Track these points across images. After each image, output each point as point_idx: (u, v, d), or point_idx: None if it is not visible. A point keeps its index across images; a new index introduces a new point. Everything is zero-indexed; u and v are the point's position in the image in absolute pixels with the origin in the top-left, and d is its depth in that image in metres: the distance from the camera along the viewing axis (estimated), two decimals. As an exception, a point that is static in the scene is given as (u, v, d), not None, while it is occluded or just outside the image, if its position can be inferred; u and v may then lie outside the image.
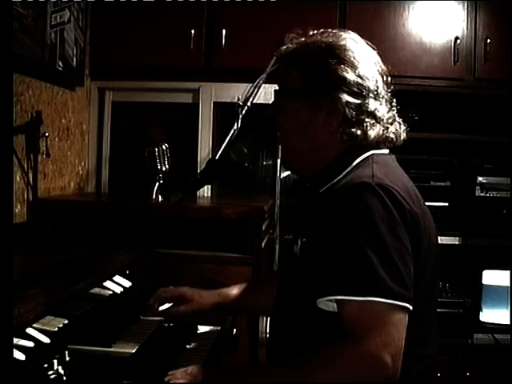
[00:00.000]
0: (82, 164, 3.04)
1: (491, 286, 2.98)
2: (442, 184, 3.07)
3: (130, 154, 3.19)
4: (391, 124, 1.34)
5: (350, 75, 1.30)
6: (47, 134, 2.33)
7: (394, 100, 1.38)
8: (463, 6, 2.99)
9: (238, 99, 1.98)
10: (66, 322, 1.39)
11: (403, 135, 1.37)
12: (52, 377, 1.13)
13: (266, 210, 2.43)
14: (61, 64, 2.55)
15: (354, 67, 1.30)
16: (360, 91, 1.30)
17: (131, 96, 3.21)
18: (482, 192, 3.03)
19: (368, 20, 2.93)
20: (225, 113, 3.16)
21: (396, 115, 1.37)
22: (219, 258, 2.28)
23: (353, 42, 1.34)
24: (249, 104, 1.96)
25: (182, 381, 1.25)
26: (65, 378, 1.14)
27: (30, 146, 2.29)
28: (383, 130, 1.33)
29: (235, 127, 1.84)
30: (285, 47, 1.40)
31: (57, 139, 2.67)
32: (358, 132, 1.30)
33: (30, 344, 1.22)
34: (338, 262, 1.17)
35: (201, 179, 1.67)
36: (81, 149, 3.01)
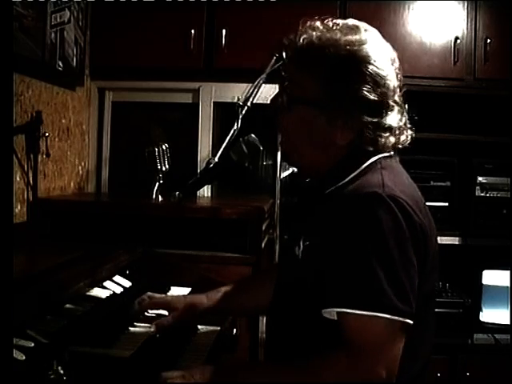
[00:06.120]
0: (82, 164, 3.04)
1: (491, 286, 2.98)
2: (442, 184, 3.07)
3: (129, 154, 3.19)
4: (402, 133, 1.31)
5: (372, 95, 1.24)
6: (47, 134, 2.33)
7: (406, 105, 1.34)
8: (463, 5, 2.99)
9: (238, 99, 1.98)
10: (66, 322, 1.39)
11: (409, 139, 1.34)
12: (52, 377, 1.12)
13: (266, 210, 2.43)
14: (61, 64, 2.55)
15: (376, 84, 1.25)
16: (380, 109, 1.26)
17: (131, 96, 3.22)
18: (482, 192, 3.03)
19: (368, 20, 2.89)
20: (225, 113, 3.16)
21: (406, 118, 1.33)
22: (219, 257, 2.28)
23: (374, 49, 1.27)
24: (249, 104, 1.96)
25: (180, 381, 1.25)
26: (65, 378, 1.14)
27: (29, 146, 2.29)
28: (395, 141, 1.30)
29: (235, 127, 1.84)
30: (299, 39, 1.30)
31: (57, 139, 2.67)
32: (370, 148, 1.28)
33: (30, 344, 1.22)
34: (344, 273, 1.16)
35: (201, 179, 1.67)
36: (81, 149, 3.01)
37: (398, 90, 1.31)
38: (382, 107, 1.27)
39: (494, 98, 3.05)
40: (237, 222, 2.31)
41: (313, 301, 1.21)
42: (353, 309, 1.13)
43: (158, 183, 2.63)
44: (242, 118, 1.89)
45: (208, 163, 1.67)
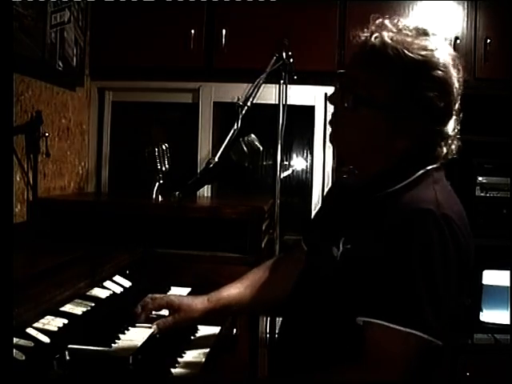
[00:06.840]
0: (82, 164, 3.04)
1: (491, 285, 2.98)
2: (442, 184, 3.07)
3: (129, 154, 3.20)
4: (453, 143, 1.31)
5: (441, 103, 1.23)
6: (47, 134, 2.33)
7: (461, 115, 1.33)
8: (463, 6, 2.99)
9: (238, 99, 1.98)
10: (66, 321, 1.39)
11: (455, 150, 1.34)
12: (52, 377, 1.12)
13: (266, 210, 2.43)
14: (61, 64, 2.55)
15: (444, 92, 1.24)
16: (444, 117, 1.26)
17: (131, 96, 3.22)
18: (482, 192, 3.03)
19: (368, 20, 2.92)
20: (225, 113, 3.16)
21: (459, 128, 1.33)
22: (219, 257, 2.28)
23: (444, 55, 1.26)
24: (249, 104, 1.96)
25: None
26: (65, 377, 1.14)
27: (29, 146, 2.29)
28: (446, 150, 1.30)
29: (235, 127, 1.84)
30: (370, 37, 1.27)
31: (57, 139, 2.67)
32: (426, 156, 1.28)
33: (30, 344, 1.22)
34: (388, 286, 1.15)
35: (201, 179, 1.67)
36: (81, 149, 3.01)
37: (459, 98, 1.30)
38: (446, 115, 1.26)
39: (494, 97, 3.04)
40: (237, 222, 2.31)
41: (343, 305, 1.21)
42: (390, 322, 1.13)
43: (158, 183, 2.63)
44: (241, 118, 1.89)
45: (208, 163, 1.67)
